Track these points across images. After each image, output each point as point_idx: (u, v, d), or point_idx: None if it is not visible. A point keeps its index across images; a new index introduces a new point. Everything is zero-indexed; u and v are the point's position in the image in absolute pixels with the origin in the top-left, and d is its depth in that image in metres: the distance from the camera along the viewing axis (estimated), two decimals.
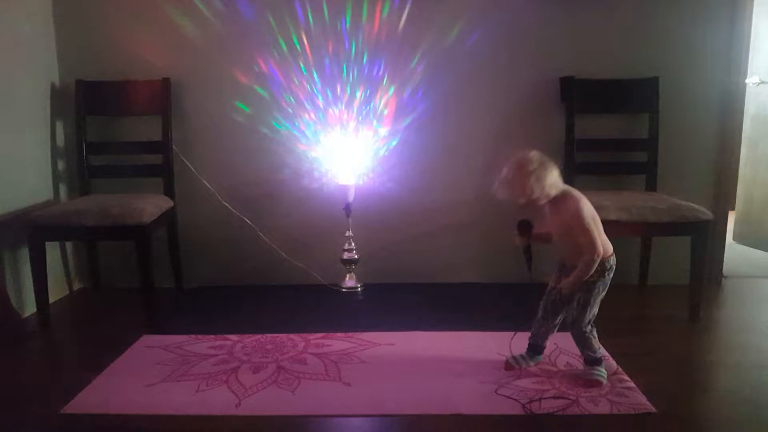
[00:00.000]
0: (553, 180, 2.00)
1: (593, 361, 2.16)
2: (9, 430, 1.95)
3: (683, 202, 2.71)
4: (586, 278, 2.05)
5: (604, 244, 2.08)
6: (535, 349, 2.29)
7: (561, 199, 2.03)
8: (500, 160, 3.15)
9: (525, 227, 2.16)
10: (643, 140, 3.13)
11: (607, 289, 2.13)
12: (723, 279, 3.36)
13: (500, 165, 2.06)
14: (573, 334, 2.18)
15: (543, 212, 2.11)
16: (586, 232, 2.01)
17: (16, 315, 2.73)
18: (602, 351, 2.18)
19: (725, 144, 3.23)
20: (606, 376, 2.14)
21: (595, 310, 2.14)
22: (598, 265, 2.06)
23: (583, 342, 2.15)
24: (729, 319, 2.93)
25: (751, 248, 4.06)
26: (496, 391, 2.08)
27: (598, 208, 2.61)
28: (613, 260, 2.11)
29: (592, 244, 2.01)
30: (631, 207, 2.66)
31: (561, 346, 2.40)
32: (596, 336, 2.15)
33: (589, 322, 2.13)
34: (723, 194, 3.28)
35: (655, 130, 3.09)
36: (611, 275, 2.11)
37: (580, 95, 3.07)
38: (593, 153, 3.13)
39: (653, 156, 3.10)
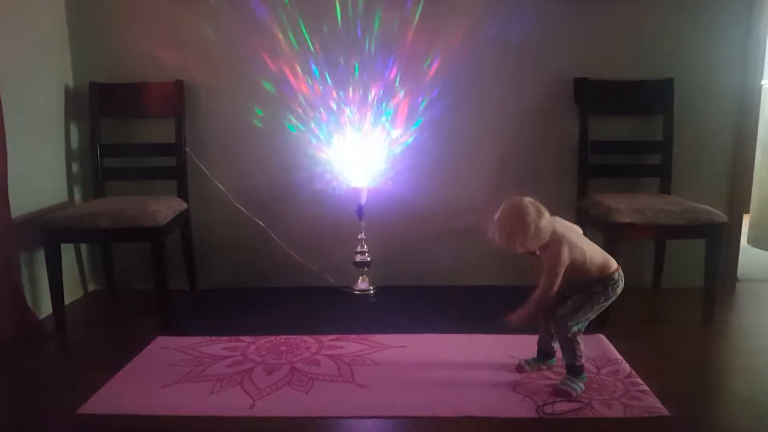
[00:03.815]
0: (545, 229, 2.00)
1: (572, 369, 2.12)
2: (26, 430, 1.96)
3: (698, 205, 2.70)
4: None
5: (603, 263, 2.09)
6: (545, 353, 2.28)
7: (549, 242, 2.04)
8: (512, 162, 3.17)
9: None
10: (657, 142, 3.12)
11: (609, 302, 2.11)
12: (737, 282, 3.34)
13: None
14: (556, 330, 2.15)
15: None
16: (551, 272, 2.04)
17: (32, 316, 2.75)
18: (585, 362, 2.14)
19: (740, 146, 3.21)
20: (580, 390, 2.09)
21: (590, 316, 2.12)
22: (602, 279, 2.08)
23: (565, 344, 2.12)
24: (743, 323, 2.91)
25: (766, 252, 4.03)
26: (512, 391, 2.08)
27: (611, 211, 2.64)
28: (618, 275, 2.10)
29: (551, 278, 2.04)
30: (645, 209, 2.65)
31: None
32: (581, 343, 2.11)
33: (576, 324, 2.09)
34: (737, 197, 3.26)
35: (669, 132, 3.08)
36: (617, 290, 2.10)
37: (594, 96, 3.07)
38: (607, 155, 3.12)
39: (667, 158, 3.08)
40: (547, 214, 2.01)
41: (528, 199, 2.02)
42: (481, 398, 2.07)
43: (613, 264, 2.11)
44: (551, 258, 2.04)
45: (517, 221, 1.99)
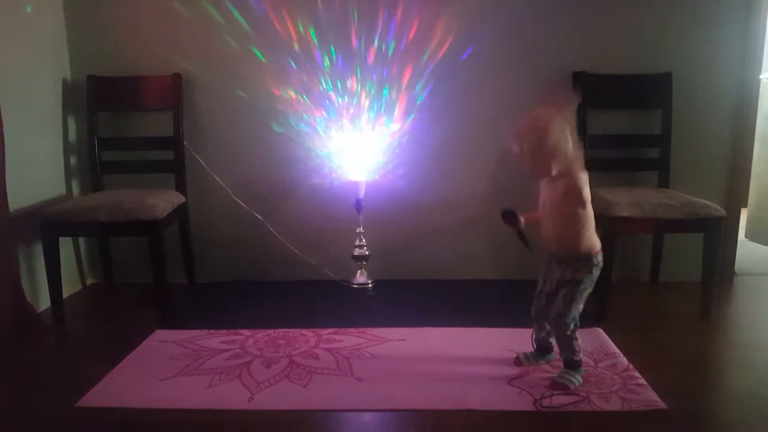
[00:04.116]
0: (569, 149, 1.92)
1: (570, 364, 2.12)
2: (24, 424, 1.97)
3: (696, 199, 2.70)
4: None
5: (592, 241, 2.05)
6: (544, 350, 2.28)
7: (564, 173, 1.96)
8: (511, 156, 3.16)
9: (510, 218, 2.12)
10: (655, 136, 3.12)
11: (593, 285, 2.08)
12: (735, 276, 3.35)
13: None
14: (553, 329, 2.14)
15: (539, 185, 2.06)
16: (577, 193, 1.96)
17: (31, 310, 2.75)
18: (582, 356, 2.13)
19: (738, 140, 3.21)
20: (578, 383, 2.09)
21: (581, 306, 2.09)
22: (586, 261, 2.04)
23: (562, 340, 2.11)
24: (741, 317, 2.92)
25: (764, 246, 4.04)
26: (510, 384, 2.09)
27: (610, 205, 2.64)
28: (600, 257, 2.06)
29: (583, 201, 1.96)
30: (643, 203, 2.66)
31: None
32: (578, 338, 2.11)
33: (573, 319, 2.09)
34: (736, 191, 3.26)
35: (668, 126, 3.08)
36: (598, 272, 2.07)
37: (592, 90, 3.06)
38: (605, 149, 3.12)
39: (666, 152, 3.09)
40: (570, 137, 1.91)
41: (559, 115, 1.92)
42: (480, 391, 2.07)
43: (599, 245, 2.07)
44: (573, 183, 1.94)
45: (544, 135, 1.90)
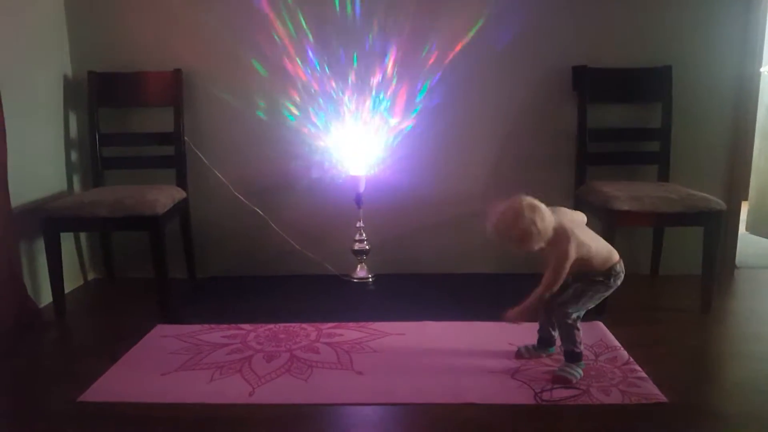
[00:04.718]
0: (544, 231, 1.96)
1: (571, 356, 2.13)
2: (26, 418, 1.97)
3: (696, 192, 2.70)
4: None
5: (607, 256, 2.09)
6: (546, 342, 2.29)
7: (553, 241, 2.00)
8: (511, 150, 3.17)
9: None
10: (655, 130, 3.12)
11: (609, 292, 2.12)
12: (735, 269, 3.35)
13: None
14: (556, 317, 2.16)
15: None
16: (556, 269, 2.01)
17: (32, 305, 2.76)
18: (583, 348, 2.14)
19: (739, 134, 3.21)
20: (579, 376, 2.09)
21: (589, 305, 2.13)
22: (605, 269, 2.08)
23: (564, 330, 2.12)
24: (741, 310, 2.92)
25: (764, 239, 4.04)
26: (510, 378, 2.10)
27: (609, 199, 2.64)
28: (620, 267, 2.10)
29: (557, 274, 2.01)
30: (643, 197, 2.65)
31: None
32: (580, 330, 2.12)
33: (576, 311, 2.11)
34: (736, 184, 3.26)
35: (668, 119, 3.08)
36: (618, 282, 2.10)
37: (592, 84, 3.06)
38: (605, 143, 3.12)
39: (666, 146, 3.08)
40: (547, 215, 1.96)
41: (527, 201, 1.96)
42: (480, 385, 2.08)
43: (616, 256, 2.11)
44: (557, 255, 2.01)
45: (512, 226, 1.96)
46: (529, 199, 1.97)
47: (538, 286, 2.06)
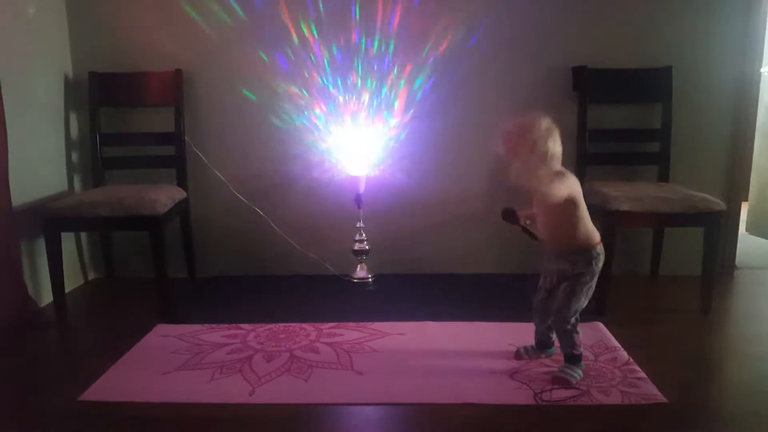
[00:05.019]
0: (552, 155, 1.94)
1: (571, 358, 2.12)
2: (27, 417, 1.97)
3: (696, 193, 2.70)
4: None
5: (591, 232, 2.06)
6: (543, 345, 2.28)
7: (554, 176, 1.97)
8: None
9: (510, 216, 2.11)
10: (655, 130, 3.12)
11: (595, 279, 2.08)
12: (735, 270, 3.35)
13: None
14: (553, 322, 2.14)
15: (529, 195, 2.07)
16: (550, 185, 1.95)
17: (33, 304, 2.76)
18: (582, 350, 2.13)
19: (739, 134, 3.21)
20: (579, 377, 2.09)
21: (583, 301, 2.09)
22: (585, 253, 2.04)
23: (563, 335, 2.10)
24: (741, 311, 2.93)
25: (764, 239, 4.04)
26: (510, 378, 2.10)
27: (609, 199, 2.64)
28: (600, 249, 2.07)
29: (554, 187, 1.95)
30: (643, 197, 2.66)
31: None
32: (579, 332, 2.11)
33: (574, 313, 2.09)
34: (736, 185, 3.26)
35: (668, 120, 3.08)
36: (599, 265, 2.07)
37: (592, 85, 3.06)
38: (605, 143, 3.12)
39: (666, 146, 3.09)
40: (559, 145, 1.95)
41: (547, 119, 1.95)
42: (480, 385, 2.08)
43: (598, 237, 2.07)
44: (551, 191, 1.95)
45: (526, 132, 1.93)
46: (549, 120, 1.95)
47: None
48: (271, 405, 1.98)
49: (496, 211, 2.14)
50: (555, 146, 1.96)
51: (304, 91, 3.18)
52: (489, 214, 3.19)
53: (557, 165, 1.99)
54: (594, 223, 2.11)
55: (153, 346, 2.45)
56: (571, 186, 1.99)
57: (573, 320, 2.09)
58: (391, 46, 3.12)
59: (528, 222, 2.12)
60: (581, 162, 3.09)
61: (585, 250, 2.05)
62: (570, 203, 2.00)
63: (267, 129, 3.21)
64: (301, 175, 3.24)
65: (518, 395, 2.01)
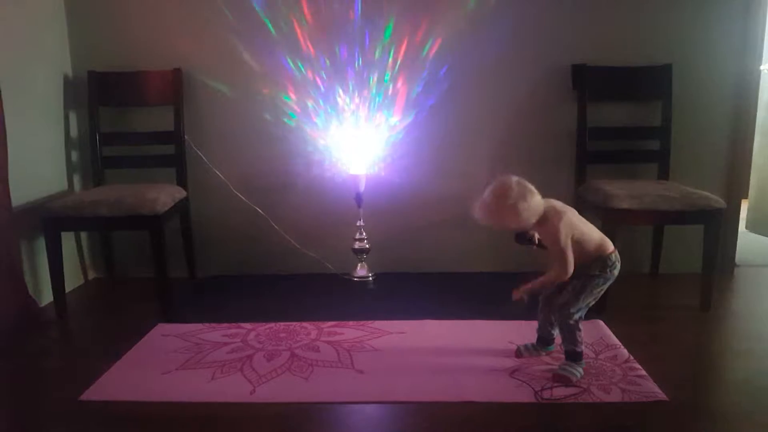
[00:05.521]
0: (534, 207, 1.97)
1: (572, 356, 2.12)
2: (27, 417, 1.98)
3: (696, 191, 2.70)
4: (549, 285, 2.11)
5: (602, 244, 2.08)
6: (545, 341, 2.29)
7: (544, 220, 2.01)
8: (511, 149, 3.17)
9: (522, 239, 2.17)
10: (655, 128, 3.12)
11: (607, 284, 2.11)
12: (735, 268, 3.35)
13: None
14: (558, 318, 2.15)
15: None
16: (559, 251, 2.01)
17: (33, 304, 2.76)
18: (583, 347, 2.13)
19: (738, 132, 3.21)
20: (580, 375, 2.09)
21: (590, 301, 2.11)
22: (600, 261, 2.07)
23: (566, 331, 2.11)
24: (741, 308, 2.93)
25: (764, 237, 4.04)
26: (510, 376, 2.10)
27: (609, 197, 2.64)
28: (615, 256, 2.09)
29: (562, 263, 2.01)
30: (643, 195, 2.66)
31: None
32: (581, 329, 2.11)
33: (578, 311, 2.09)
34: (736, 182, 3.26)
35: (667, 117, 3.08)
36: (615, 272, 2.09)
37: (592, 83, 3.06)
38: (605, 141, 3.12)
39: (666, 144, 3.08)
40: (536, 194, 1.98)
41: (515, 179, 2.00)
42: (480, 383, 2.08)
43: (610, 245, 2.10)
44: (551, 234, 2.01)
45: (499, 199, 1.98)
46: (518, 179, 2.00)
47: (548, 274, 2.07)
48: (271, 404, 1.98)
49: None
50: (534, 197, 1.98)
51: (305, 90, 3.17)
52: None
53: (542, 205, 2.01)
54: (594, 222, 2.11)
55: (153, 346, 2.45)
56: (563, 221, 2.02)
57: (576, 317, 2.10)
58: (392, 45, 3.12)
59: (540, 239, 2.15)
60: (581, 160, 3.09)
61: (599, 260, 2.08)
62: (566, 244, 2.03)
63: (267, 128, 3.21)
64: (302, 173, 3.24)
65: (518, 393, 2.02)
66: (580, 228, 2.06)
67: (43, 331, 2.67)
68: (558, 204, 2.07)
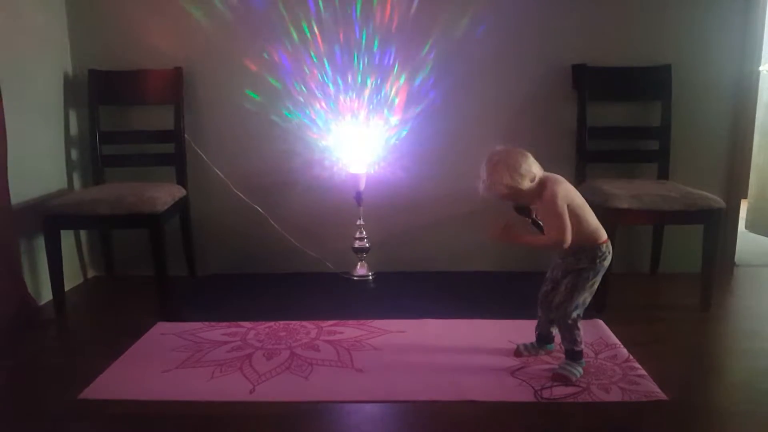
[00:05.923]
0: (526, 167, 1.97)
1: (571, 355, 2.12)
2: (26, 416, 1.97)
3: (695, 191, 2.70)
4: (536, 248, 2.10)
5: (595, 231, 2.06)
6: (544, 339, 2.29)
7: (541, 186, 2.00)
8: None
9: (522, 210, 2.14)
10: (655, 128, 3.12)
11: (599, 277, 2.09)
12: (735, 267, 3.36)
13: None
14: (556, 318, 2.14)
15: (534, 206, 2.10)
16: (556, 216, 1.98)
17: (33, 302, 2.76)
18: (583, 347, 2.12)
19: (738, 132, 3.21)
20: (579, 374, 2.09)
21: (587, 297, 2.09)
22: (590, 252, 2.05)
23: (565, 330, 2.10)
24: (740, 308, 2.93)
25: (764, 237, 4.04)
26: (510, 376, 2.10)
27: (609, 197, 2.64)
28: (606, 247, 2.07)
29: (559, 229, 1.98)
30: (643, 195, 2.66)
31: None
32: (581, 328, 2.10)
33: (576, 308, 2.08)
34: (735, 182, 3.26)
35: (667, 118, 3.08)
36: (605, 263, 2.08)
37: (592, 83, 3.06)
38: (605, 141, 3.12)
39: (665, 144, 3.09)
40: (529, 156, 1.99)
41: (517, 148, 2.02)
42: (480, 383, 2.08)
43: (604, 234, 2.08)
44: (548, 201, 1.98)
45: (488, 162, 2.01)
46: (509, 147, 2.03)
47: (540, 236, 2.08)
48: (271, 403, 1.98)
49: (497, 208, 2.14)
50: (533, 164, 2.00)
51: (304, 89, 3.17)
52: (489, 211, 3.21)
53: (539, 172, 2.01)
54: None
55: (153, 344, 2.45)
56: (560, 187, 2.00)
57: (575, 315, 2.09)
58: (392, 44, 3.12)
59: (537, 216, 2.13)
60: (581, 160, 3.09)
61: (591, 249, 2.06)
62: (563, 209, 2.00)
63: (267, 127, 3.20)
64: (302, 172, 3.24)
65: (518, 392, 2.02)
66: (578, 201, 2.03)
67: (42, 330, 2.66)
68: (558, 176, 2.05)
